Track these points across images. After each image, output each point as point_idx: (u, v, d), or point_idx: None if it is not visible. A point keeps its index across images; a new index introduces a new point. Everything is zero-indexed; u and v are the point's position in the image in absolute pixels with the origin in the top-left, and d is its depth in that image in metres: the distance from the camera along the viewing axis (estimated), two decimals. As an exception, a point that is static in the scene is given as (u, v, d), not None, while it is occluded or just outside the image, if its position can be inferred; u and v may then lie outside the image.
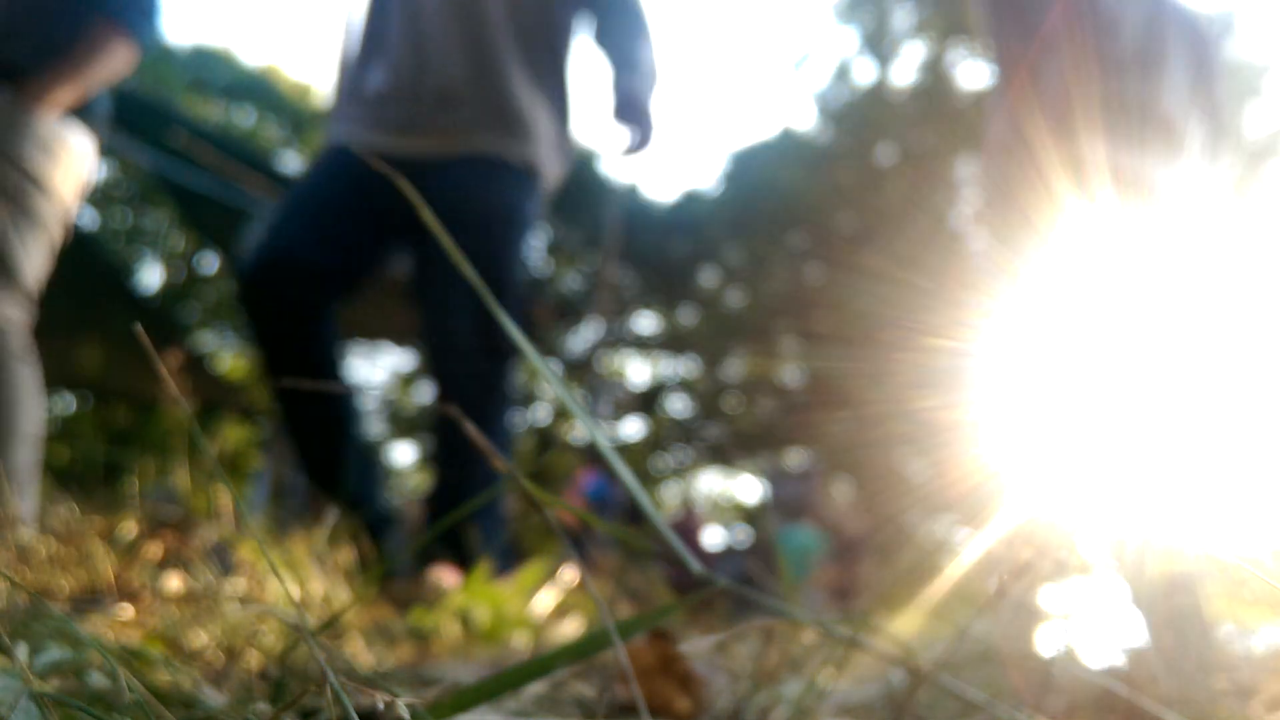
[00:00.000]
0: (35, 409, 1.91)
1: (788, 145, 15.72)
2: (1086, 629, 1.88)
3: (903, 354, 3.19)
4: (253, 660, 1.10)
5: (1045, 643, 1.73)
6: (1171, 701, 1.01)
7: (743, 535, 14.58)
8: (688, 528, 8.12)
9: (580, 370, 14.20)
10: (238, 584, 1.65)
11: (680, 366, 17.54)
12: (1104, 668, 1.22)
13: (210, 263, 14.62)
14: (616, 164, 12.44)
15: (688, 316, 17.18)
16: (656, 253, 15.56)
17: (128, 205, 14.52)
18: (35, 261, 1.92)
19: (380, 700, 0.57)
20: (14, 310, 1.90)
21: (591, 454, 6.93)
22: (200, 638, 1.18)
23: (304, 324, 2.45)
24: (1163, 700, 0.93)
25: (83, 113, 1.95)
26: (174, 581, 1.52)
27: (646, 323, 17.59)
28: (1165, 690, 1.10)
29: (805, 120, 17.00)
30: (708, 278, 16.85)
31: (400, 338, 14.95)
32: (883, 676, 1.34)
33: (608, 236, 12.99)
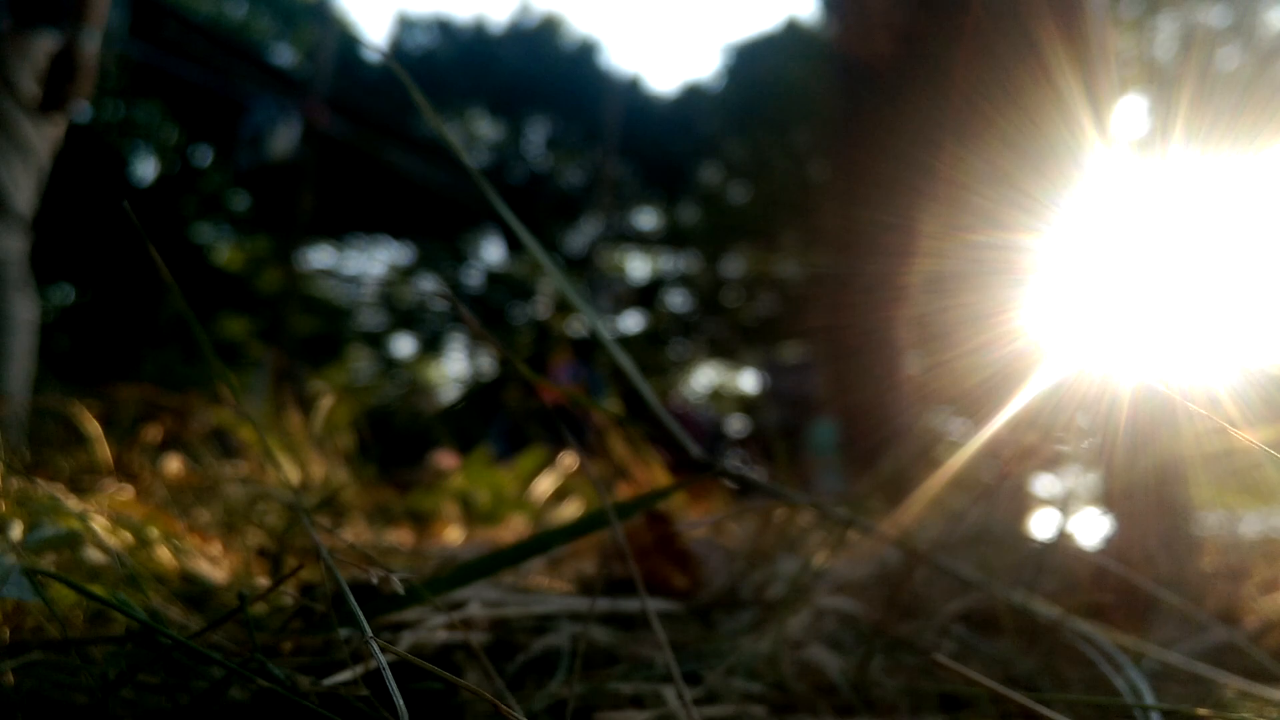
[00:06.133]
0: (27, 338, 1.88)
1: (792, 38, 15.30)
2: (1079, 514, 1.90)
3: (905, 253, 3.16)
4: (253, 539, 1.10)
5: (1039, 526, 1.75)
6: (1165, 581, 1.01)
7: (741, 425, 14.74)
8: (681, 417, 8.19)
9: (580, 266, 14.13)
10: (238, 466, 1.66)
11: (680, 262, 17.45)
12: (1097, 549, 1.23)
13: (204, 155, 14.41)
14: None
15: (688, 213, 17.02)
16: (657, 148, 15.33)
17: (119, 98, 14.23)
18: (27, 189, 1.87)
19: (374, 575, 0.56)
20: (12, 240, 1.86)
21: (579, 347, 6.93)
22: (201, 517, 1.19)
23: None
24: (1157, 580, 0.94)
25: (84, 21, 1.86)
26: (174, 463, 1.53)
27: (647, 219, 17.45)
28: (1159, 570, 1.11)
29: (810, 12, 16.50)
30: (709, 174, 16.63)
31: (398, 231, 14.86)
32: (878, 557, 1.35)
33: (608, 131, 12.77)
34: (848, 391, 3.41)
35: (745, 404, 16.37)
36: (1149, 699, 0.60)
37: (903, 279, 3.15)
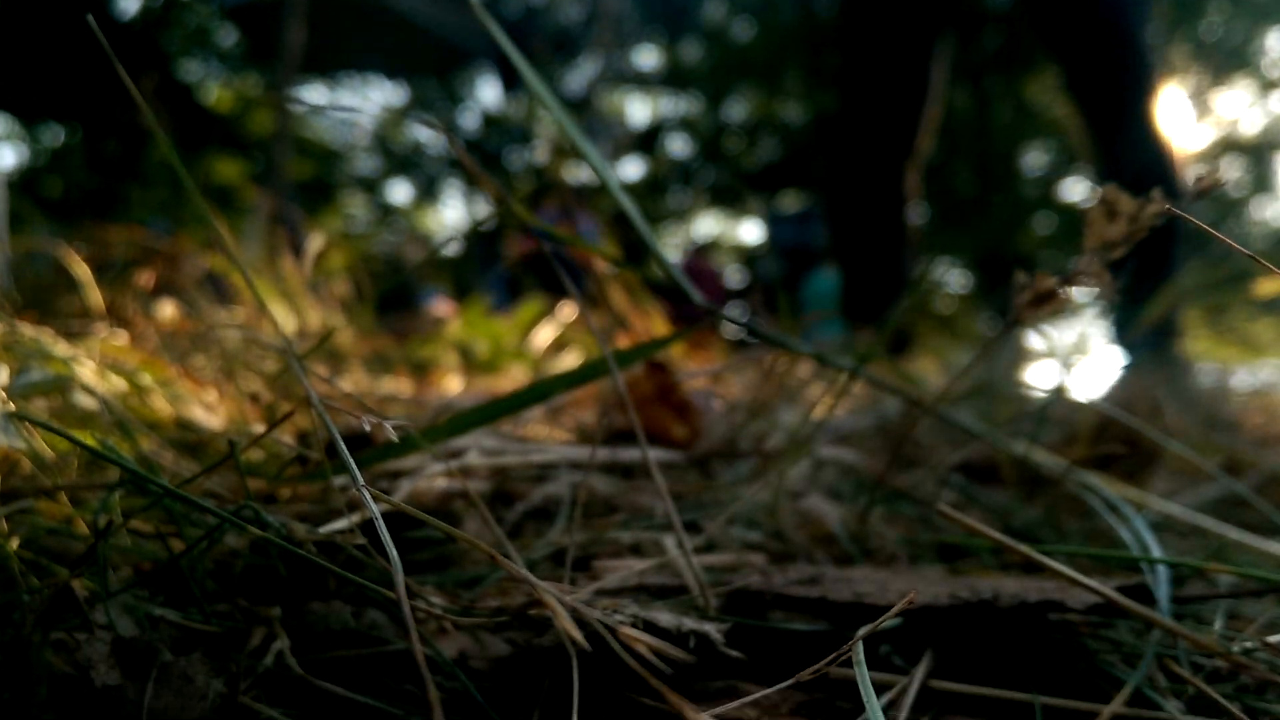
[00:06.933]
0: None
1: None
2: (1079, 368, 1.90)
3: (917, 100, 3.05)
4: (249, 386, 1.09)
5: (1040, 379, 1.74)
6: (1169, 430, 1.01)
7: (740, 276, 14.71)
8: (697, 269, 8.13)
9: (578, 108, 13.75)
10: (234, 312, 1.64)
11: (681, 105, 17.01)
12: (1102, 400, 1.22)
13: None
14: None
15: (691, 52, 16.47)
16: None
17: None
18: None
19: (366, 422, 0.55)
20: None
21: (576, 192, 6.80)
22: (196, 363, 1.18)
23: None
24: (1161, 429, 0.93)
25: None
26: (167, 308, 1.51)
27: (647, 58, 16.89)
28: (1166, 422, 1.10)
29: None
30: (713, 7, 15.99)
31: (391, 70, 14.39)
32: (878, 409, 1.35)
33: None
34: (851, 242, 3.36)
35: (746, 255, 16.28)
36: (1156, 551, 0.59)
37: (913, 127, 3.06)
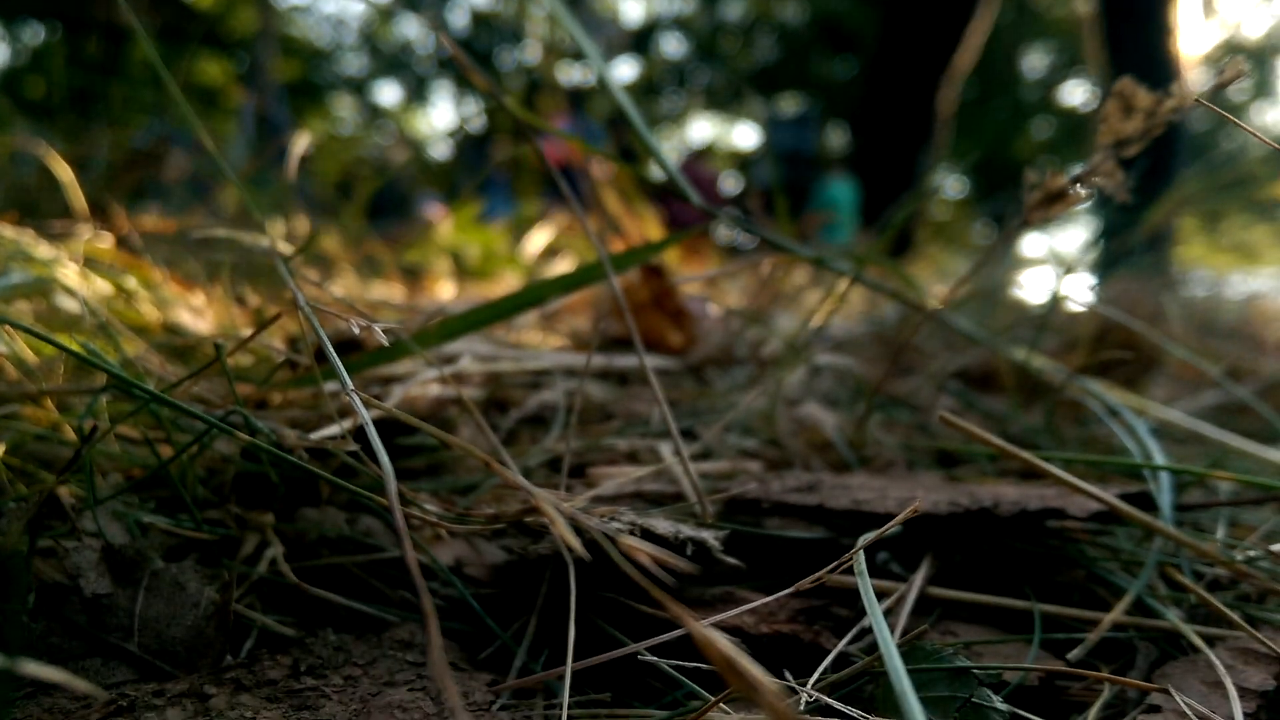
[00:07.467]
0: None
1: None
2: (1076, 274, 1.89)
3: (957, 10, 2.98)
4: (237, 290, 1.07)
5: (1037, 286, 1.73)
6: (1170, 336, 1.00)
7: (735, 182, 14.52)
8: (694, 174, 7.99)
9: (570, 5, 13.35)
10: (220, 215, 1.60)
11: (676, 3, 16.55)
12: (1103, 306, 1.21)
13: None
14: None
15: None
16: None
17: None
18: None
19: (355, 324, 0.53)
20: None
21: (572, 96, 6.64)
22: (182, 266, 1.15)
23: None
24: (1168, 336, 0.92)
25: None
26: (153, 211, 1.47)
27: (642, -47, 16.37)
28: (1170, 328, 1.09)
29: None
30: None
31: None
32: (875, 316, 1.34)
33: None
34: (880, 154, 3.33)
35: (741, 159, 16.05)
36: (1159, 458, 0.59)
37: (954, 44, 3.00)
